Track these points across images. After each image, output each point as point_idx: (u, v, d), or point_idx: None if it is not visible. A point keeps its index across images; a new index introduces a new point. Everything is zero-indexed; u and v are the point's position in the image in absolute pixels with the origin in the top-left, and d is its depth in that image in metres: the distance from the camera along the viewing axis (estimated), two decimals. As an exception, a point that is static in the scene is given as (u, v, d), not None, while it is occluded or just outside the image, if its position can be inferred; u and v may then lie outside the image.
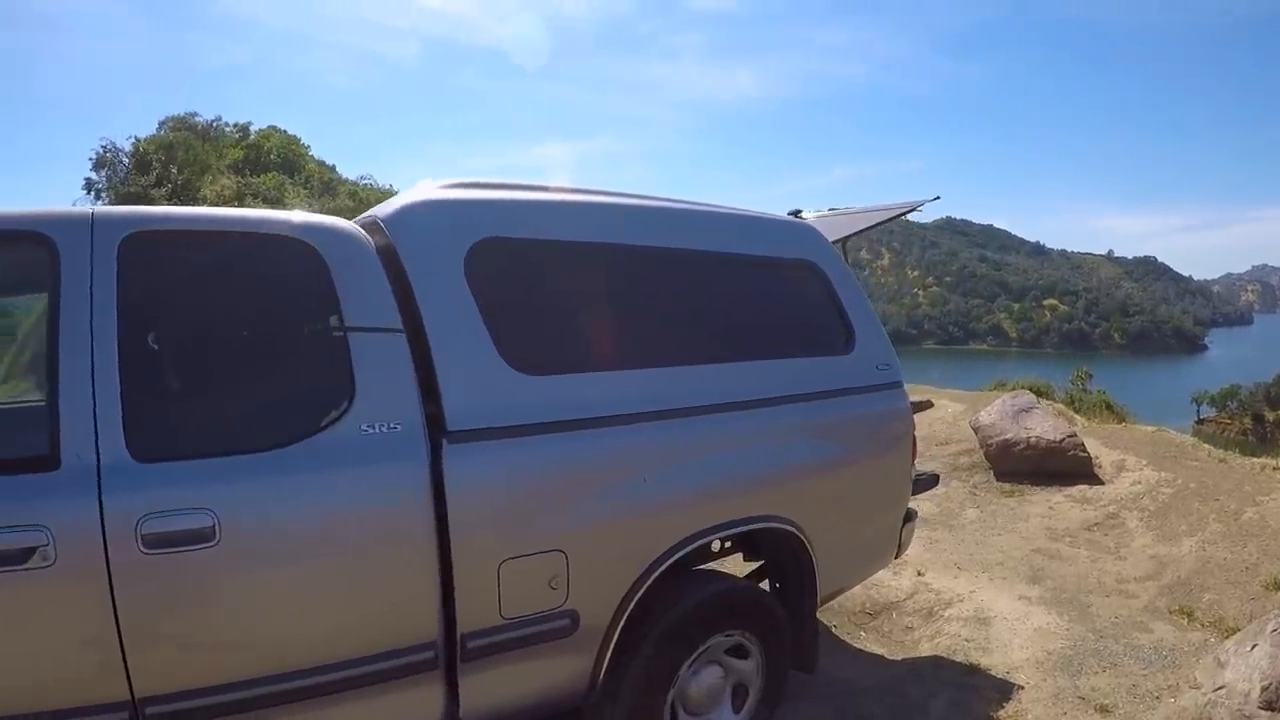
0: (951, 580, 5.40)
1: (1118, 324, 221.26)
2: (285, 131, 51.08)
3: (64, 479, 2.03)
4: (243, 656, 2.23)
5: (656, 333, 3.12)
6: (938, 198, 6.82)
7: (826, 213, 6.45)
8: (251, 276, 2.52)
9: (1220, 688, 3.55)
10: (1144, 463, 7.49)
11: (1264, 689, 3.37)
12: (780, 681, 3.33)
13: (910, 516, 4.04)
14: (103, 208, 2.31)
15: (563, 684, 2.75)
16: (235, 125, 48.08)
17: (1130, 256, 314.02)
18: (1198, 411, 76.70)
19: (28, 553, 1.96)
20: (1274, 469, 7.12)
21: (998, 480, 7.68)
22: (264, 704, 2.22)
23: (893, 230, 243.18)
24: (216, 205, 27.81)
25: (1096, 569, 5.55)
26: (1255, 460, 7.63)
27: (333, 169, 54.25)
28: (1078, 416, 9.89)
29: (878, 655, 4.50)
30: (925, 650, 4.53)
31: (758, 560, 3.70)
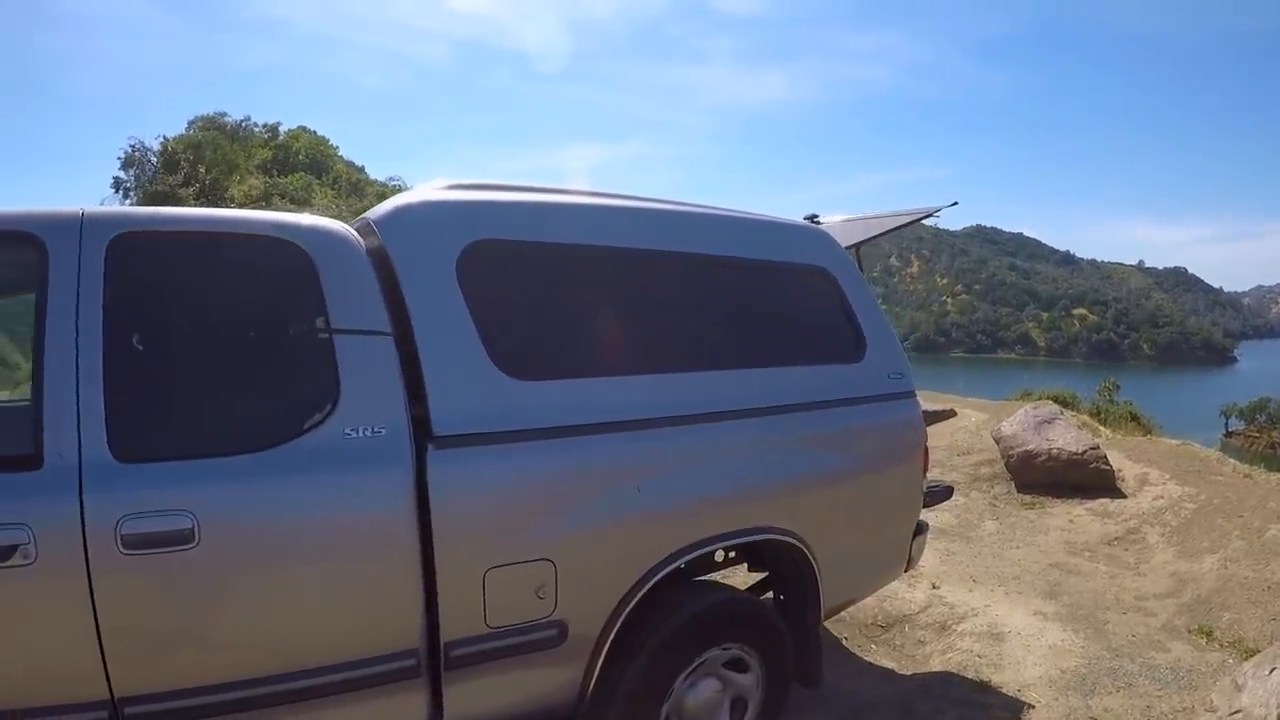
0: (966, 594, 5.31)
1: (1147, 335, 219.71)
2: (314, 132, 51.66)
3: (46, 478, 2.03)
4: (222, 659, 2.21)
5: (654, 338, 3.05)
6: (955, 203, 6.77)
7: (843, 218, 6.39)
8: (239, 277, 2.49)
9: (1236, 712, 3.44)
10: (1167, 477, 7.37)
11: (1281, 715, 3.26)
12: (781, 695, 3.26)
13: (921, 529, 3.92)
14: (93, 208, 2.29)
15: (551, 695, 2.70)
16: (264, 125, 48.68)
17: (1160, 267, 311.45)
18: (1226, 424, 75.95)
19: (9, 551, 1.96)
20: (1300, 485, 6.96)
21: (1018, 492, 7.60)
22: (244, 707, 2.20)
23: (922, 237, 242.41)
24: (244, 205, 28.08)
25: (1115, 585, 5.45)
26: (1281, 476, 7.46)
27: (361, 170, 54.70)
28: (1102, 428, 9.77)
29: (887, 669, 4.41)
30: (936, 665, 4.44)
31: (764, 571, 3.63)
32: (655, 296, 3.12)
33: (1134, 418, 13.09)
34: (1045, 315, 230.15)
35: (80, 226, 2.21)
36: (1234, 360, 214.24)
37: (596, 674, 2.74)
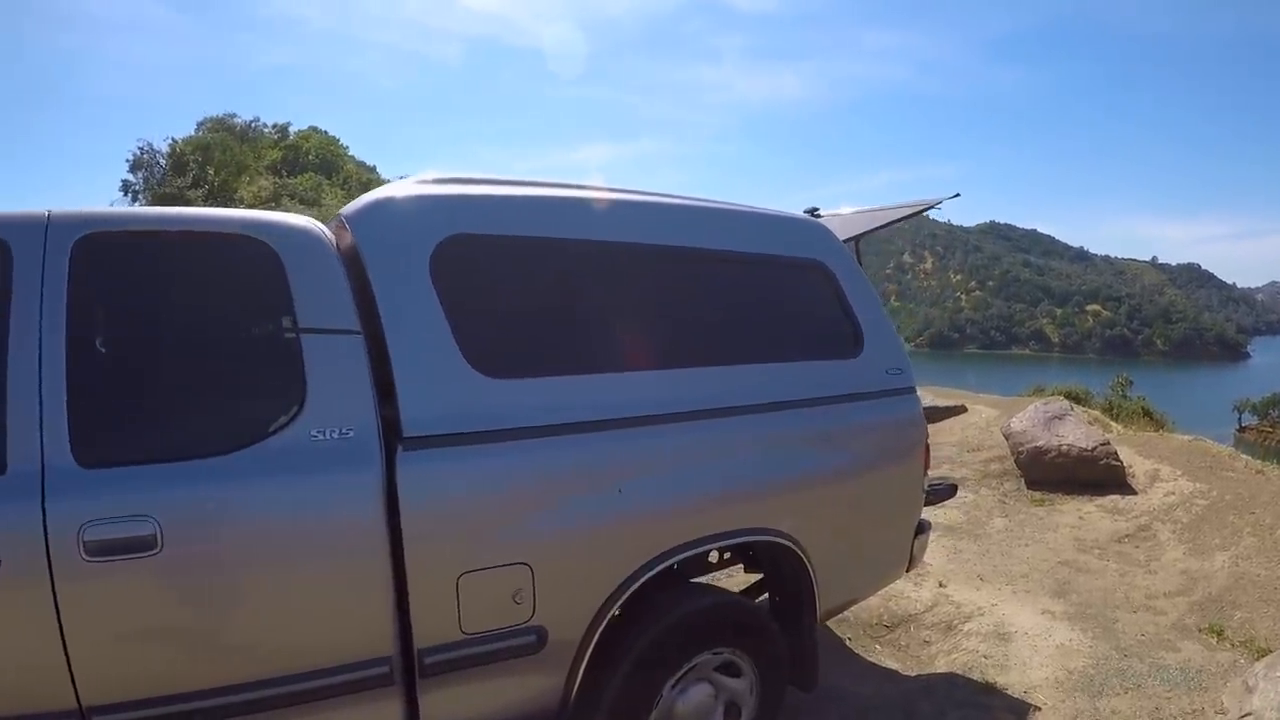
0: (974, 592, 5.23)
1: (1160, 330, 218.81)
2: (324, 132, 51.62)
3: (8, 484, 1.99)
4: (189, 667, 2.16)
5: (638, 334, 2.96)
6: (957, 195, 6.68)
7: (842, 211, 6.30)
8: (205, 277, 2.43)
9: (1247, 714, 3.36)
10: (1179, 473, 7.26)
11: (1293, 717, 3.17)
12: (776, 699, 3.18)
13: (923, 528, 3.83)
14: (59, 209, 2.25)
15: (532, 702, 2.62)
16: (274, 126, 48.72)
17: (1174, 263, 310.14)
18: (1239, 419, 75.91)
19: None
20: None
21: (1028, 488, 7.51)
22: (213, 716, 2.15)
23: (935, 234, 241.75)
24: (254, 206, 28.06)
25: (1125, 583, 5.36)
26: (1293, 472, 7.36)
27: (373, 170, 54.63)
28: (1114, 424, 9.65)
29: (891, 670, 4.34)
30: (941, 666, 4.36)
31: (760, 572, 3.55)
32: (639, 291, 3.02)
33: (1147, 413, 12.96)
34: (1059, 311, 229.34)
35: (45, 228, 2.17)
36: (1247, 356, 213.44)
37: (579, 681, 2.66)
